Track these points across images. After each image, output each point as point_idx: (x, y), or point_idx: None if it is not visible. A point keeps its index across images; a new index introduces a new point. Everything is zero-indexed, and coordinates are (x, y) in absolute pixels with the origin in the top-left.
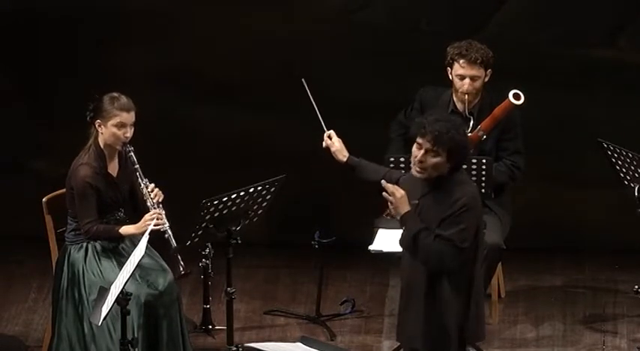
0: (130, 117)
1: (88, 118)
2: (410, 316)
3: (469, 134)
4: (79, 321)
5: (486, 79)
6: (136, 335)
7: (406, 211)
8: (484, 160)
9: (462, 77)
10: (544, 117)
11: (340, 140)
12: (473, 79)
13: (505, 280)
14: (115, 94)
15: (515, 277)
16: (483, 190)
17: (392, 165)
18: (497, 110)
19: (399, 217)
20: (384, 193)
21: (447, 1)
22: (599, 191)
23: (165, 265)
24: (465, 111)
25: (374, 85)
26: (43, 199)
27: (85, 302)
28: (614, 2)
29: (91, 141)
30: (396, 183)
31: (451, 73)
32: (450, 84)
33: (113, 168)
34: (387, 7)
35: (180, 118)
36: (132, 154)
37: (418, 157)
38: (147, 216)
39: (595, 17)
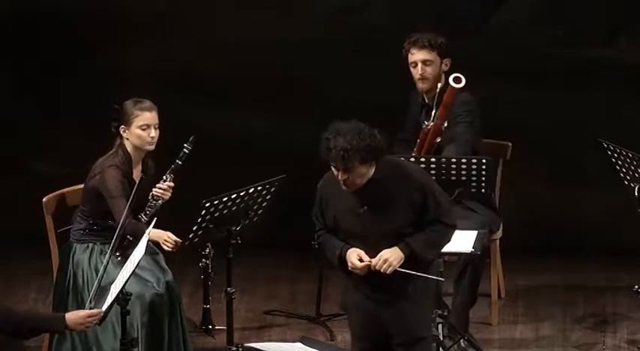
0: (152, 117)
1: (112, 129)
2: (400, 312)
3: (432, 123)
4: None
5: (445, 68)
6: (139, 334)
7: (402, 252)
8: (484, 160)
9: (415, 64)
10: (544, 117)
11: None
12: (425, 63)
13: (505, 280)
14: (137, 98)
15: (514, 277)
16: (484, 190)
17: None
18: (445, 97)
19: (401, 261)
20: (378, 267)
21: (447, 1)
22: (599, 191)
23: (165, 265)
24: (423, 98)
25: (374, 85)
26: (43, 199)
27: (88, 303)
28: (614, 2)
29: (116, 146)
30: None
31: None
32: None
33: (137, 174)
34: (387, 7)
35: (179, 118)
36: (187, 149)
37: (340, 177)
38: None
39: (595, 17)
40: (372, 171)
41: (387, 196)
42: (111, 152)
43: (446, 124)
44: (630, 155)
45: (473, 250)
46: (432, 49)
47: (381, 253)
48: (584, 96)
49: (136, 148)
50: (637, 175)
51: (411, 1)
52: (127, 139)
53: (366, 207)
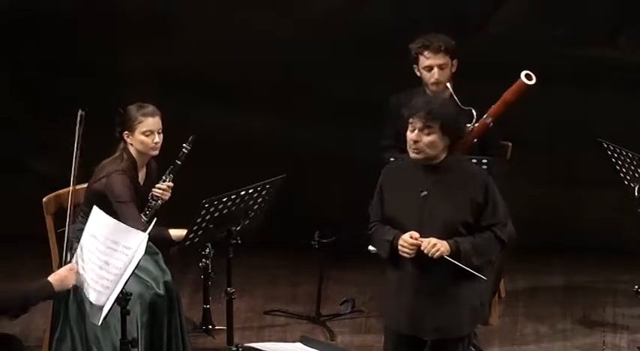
0: (155, 123)
1: (116, 134)
2: (446, 308)
3: (475, 125)
4: (82, 321)
5: (453, 70)
6: (139, 334)
7: (449, 244)
8: (484, 160)
9: (430, 68)
10: (544, 117)
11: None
12: (441, 67)
13: (505, 280)
14: (140, 103)
15: (514, 277)
16: None
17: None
18: (508, 93)
19: (448, 254)
20: (427, 251)
21: (447, 1)
22: (599, 191)
23: (164, 266)
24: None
25: (374, 85)
26: (43, 199)
27: (88, 303)
28: (614, 2)
29: (120, 150)
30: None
31: (419, 69)
32: (419, 82)
33: (141, 177)
34: (387, 7)
35: (180, 118)
36: (186, 149)
37: (413, 137)
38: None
39: (595, 17)
40: (444, 154)
41: (451, 187)
42: (115, 156)
43: (492, 123)
44: (630, 155)
45: None
46: (446, 53)
47: (430, 238)
48: (584, 96)
49: (139, 152)
50: (637, 175)
51: (411, 0)
52: (131, 144)
53: (427, 192)
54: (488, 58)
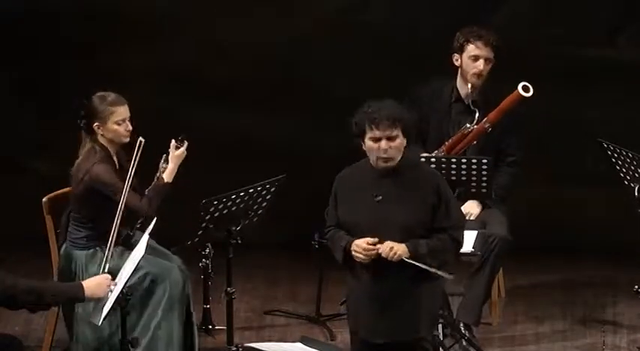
0: (126, 111)
1: (81, 124)
2: (402, 311)
3: (474, 126)
4: (84, 320)
5: (489, 67)
6: (174, 312)
7: (406, 246)
8: (484, 160)
9: (477, 58)
10: (544, 117)
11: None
12: (487, 61)
13: (505, 280)
14: (102, 93)
15: (514, 277)
16: (484, 190)
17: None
18: (505, 102)
19: (407, 256)
20: (385, 254)
21: (448, 1)
22: (599, 191)
23: (171, 254)
24: (468, 99)
25: (374, 85)
26: (43, 199)
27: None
28: (614, 2)
29: (90, 143)
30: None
31: (460, 58)
32: (454, 73)
33: (116, 165)
34: (387, 7)
35: (180, 118)
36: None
37: (384, 146)
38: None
39: (595, 17)
40: (402, 153)
41: (405, 190)
42: (86, 151)
43: (490, 129)
44: (630, 155)
45: (473, 250)
46: (493, 49)
47: (387, 242)
48: (583, 96)
49: (111, 141)
50: (637, 175)
51: (411, 0)
52: (102, 135)
53: (381, 196)
54: None
